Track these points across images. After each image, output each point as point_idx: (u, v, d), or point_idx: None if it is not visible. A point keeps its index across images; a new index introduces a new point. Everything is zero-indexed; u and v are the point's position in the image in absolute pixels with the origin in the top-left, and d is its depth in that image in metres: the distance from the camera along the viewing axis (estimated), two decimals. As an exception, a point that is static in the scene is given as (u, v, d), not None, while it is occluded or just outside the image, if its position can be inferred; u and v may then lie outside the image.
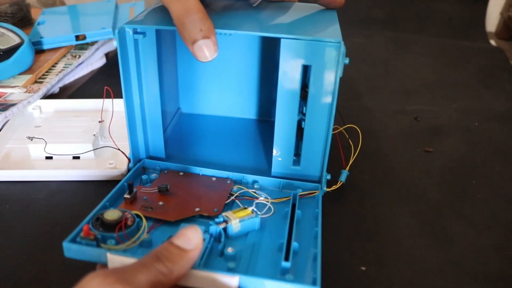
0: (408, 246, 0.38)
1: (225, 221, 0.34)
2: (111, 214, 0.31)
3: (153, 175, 0.41)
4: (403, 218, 0.41)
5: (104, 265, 0.29)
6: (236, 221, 0.34)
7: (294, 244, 0.33)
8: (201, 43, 0.32)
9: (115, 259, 0.28)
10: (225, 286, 0.28)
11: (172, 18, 0.33)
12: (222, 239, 0.33)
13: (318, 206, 0.38)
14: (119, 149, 0.45)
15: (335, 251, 0.37)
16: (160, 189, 0.38)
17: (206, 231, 0.33)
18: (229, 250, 0.32)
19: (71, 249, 0.29)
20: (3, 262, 0.35)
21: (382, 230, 0.39)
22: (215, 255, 0.32)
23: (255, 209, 0.36)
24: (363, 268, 0.35)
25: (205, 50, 0.33)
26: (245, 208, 0.35)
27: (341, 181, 0.43)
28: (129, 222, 0.31)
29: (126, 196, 0.36)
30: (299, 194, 0.39)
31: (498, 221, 0.41)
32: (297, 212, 0.36)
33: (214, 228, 0.33)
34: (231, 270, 0.30)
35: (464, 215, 0.42)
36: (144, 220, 0.33)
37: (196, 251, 0.27)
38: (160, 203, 0.37)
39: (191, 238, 0.27)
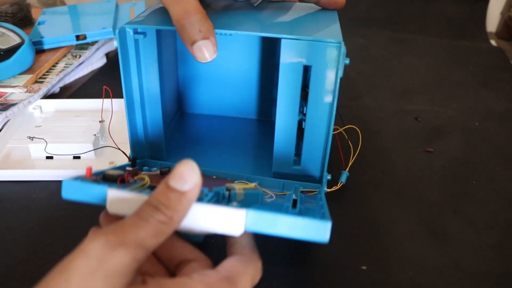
0: (408, 246, 0.38)
1: (228, 190, 0.33)
2: (114, 171, 0.31)
3: (154, 169, 0.41)
4: (403, 218, 0.41)
5: (107, 217, 0.29)
6: (240, 189, 0.33)
7: (301, 196, 0.32)
8: (200, 44, 0.32)
9: (115, 195, 0.27)
10: (230, 224, 0.26)
11: (172, 19, 0.33)
12: (226, 195, 0.32)
13: (322, 199, 0.38)
14: (119, 149, 0.45)
15: (336, 250, 0.37)
16: (162, 172, 0.38)
17: (209, 190, 0.32)
18: (234, 203, 0.31)
19: (71, 187, 0.28)
20: (3, 262, 0.35)
21: (382, 230, 0.39)
22: (219, 201, 0.31)
23: (258, 184, 0.36)
24: (364, 268, 0.35)
25: (204, 51, 0.33)
26: (248, 183, 0.35)
27: (341, 182, 0.43)
28: (130, 179, 0.31)
29: (129, 168, 0.36)
30: (301, 189, 0.40)
31: (498, 221, 0.41)
32: (301, 195, 0.36)
33: (219, 188, 0.32)
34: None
35: (464, 215, 0.42)
36: (147, 178, 0.32)
37: (195, 190, 0.25)
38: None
39: (188, 177, 0.25)
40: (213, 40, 0.33)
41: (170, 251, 0.29)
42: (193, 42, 0.32)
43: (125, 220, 0.24)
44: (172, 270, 0.29)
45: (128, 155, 0.43)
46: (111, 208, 0.27)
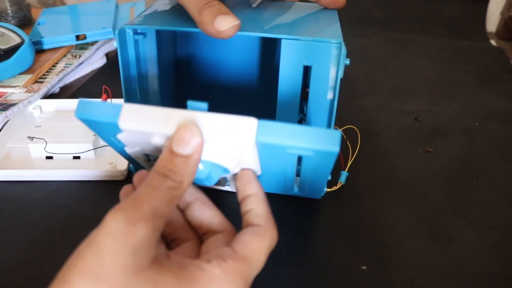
0: (408, 246, 0.38)
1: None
2: None
3: None
4: (403, 218, 0.41)
5: (125, 192, 0.30)
6: None
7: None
8: (222, 16, 0.33)
9: (130, 109, 0.27)
10: (241, 133, 0.27)
11: (190, 12, 0.34)
12: None
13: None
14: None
15: (336, 250, 0.37)
16: None
17: None
18: None
19: (86, 106, 0.28)
20: (3, 262, 0.35)
21: (382, 230, 0.39)
22: None
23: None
24: (364, 267, 0.35)
25: (227, 20, 0.33)
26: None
27: (341, 182, 0.43)
28: None
29: None
30: None
31: (498, 221, 0.41)
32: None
33: None
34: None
35: (464, 215, 0.42)
36: None
37: (198, 151, 0.27)
38: None
39: (190, 140, 0.26)
40: (234, 16, 0.33)
41: (200, 219, 0.30)
42: (215, 18, 0.32)
43: (138, 192, 0.25)
44: (200, 236, 0.30)
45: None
46: (123, 121, 0.27)
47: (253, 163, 0.30)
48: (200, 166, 0.29)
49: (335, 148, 0.26)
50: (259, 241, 0.27)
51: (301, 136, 0.26)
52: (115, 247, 0.23)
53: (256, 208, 0.29)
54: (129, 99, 0.40)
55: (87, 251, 0.23)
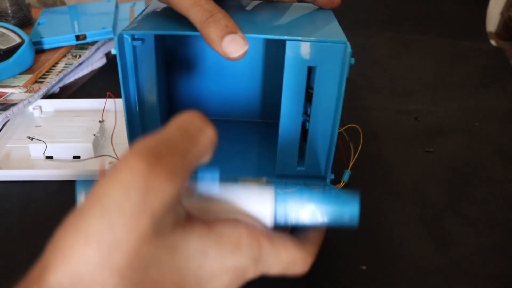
0: (408, 246, 0.38)
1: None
2: None
3: None
4: (403, 218, 0.41)
5: None
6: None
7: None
8: (230, 37, 0.31)
9: None
10: (259, 208, 0.27)
11: (194, 22, 0.33)
12: None
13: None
14: (118, 159, 0.44)
15: (336, 250, 0.37)
16: None
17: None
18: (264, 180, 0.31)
19: (86, 187, 0.27)
20: (3, 262, 0.35)
21: (382, 230, 0.39)
22: None
23: (268, 179, 0.36)
24: (364, 267, 0.35)
25: (236, 45, 0.32)
26: (258, 180, 0.35)
27: (344, 181, 0.43)
28: None
29: None
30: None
31: (498, 221, 0.41)
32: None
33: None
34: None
35: (464, 215, 0.42)
36: None
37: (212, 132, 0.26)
38: None
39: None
40: (241, 34, 0.32)
41: None
42: (223, 37, 0.31)
43: (169, 136, 0.21)
44: None
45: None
46: None
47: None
48: None
49: (354, 223, 0.27)
50: (293, 247, 0.26)
51: (320, 207, 0.27)
52: (131, 210, 0.18)
53: (310, 232, 0.28)
54: (129, 105, 0.39)
55: (93, 212, 0.19)
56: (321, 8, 0.44)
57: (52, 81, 0.60)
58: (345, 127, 0.46)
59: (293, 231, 0.29)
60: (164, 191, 0.19)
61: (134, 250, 0.19)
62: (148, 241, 0.19)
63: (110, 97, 0.43)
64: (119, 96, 0.45)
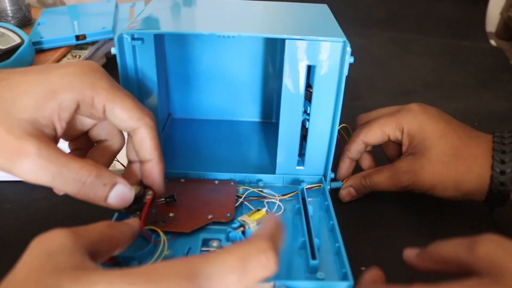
0: (408, 246, 0.38)
1: (242, 226, 0.33)
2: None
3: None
4: (403, 218, 0.41)
5: None
6: (254, 224, 0.34)
7: (316, 241, 0.33)
8: (113, 194, 0.29)
9: None
10: None
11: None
12: (242, 237, 0.33)
13: (327, 198, 0.38)
14: (117, 161, 0.43)
15: (335, 251, 0.37)
16: (167, 201, 0.37)
17: (227, 239, 0.33)
18: None
19: None
20: (3, 262, 0.35)
21: (382, 230, 0.39)
22: None
23: (268, 210, 0.36)
24: (363, 268, 0.35)
25: (123, 198, 0.30)
26: (259, 210, 0.35)
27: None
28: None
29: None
30: (306, 187, 0.40)
31: (498, 221, 0.41)
32: (309, 207, 0.37)
33: (234, 235, 0.33)
34: None
35: (464, 215, 0.42)
36: (162, 234, 0.32)
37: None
38: (171, 214, 0.36)
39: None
40: (122, 181, 0.30)
41: None
42: (105, 198, 0.29)
43: (140, 271, 0.20)
44: None
45: (125, 166, 0.41)
46: None
47: None
48: None
49: None
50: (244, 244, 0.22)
51: None
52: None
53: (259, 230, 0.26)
54: None
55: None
56: (317, 6, 0.44)
57: (52, 81, 0.60)
58: (342, 125, 0.46)
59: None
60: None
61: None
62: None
63: None
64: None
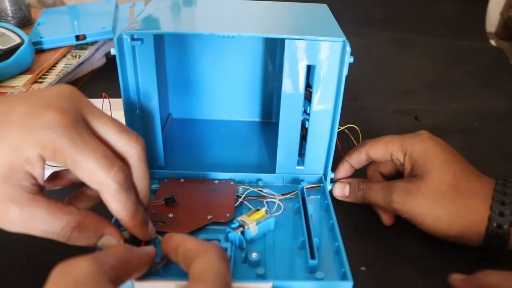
0: (408, 246, 0.38)
1: (241, 226, 0.33)
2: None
3: (154, 186, 0.40)
4: (403, 218, 0.41)
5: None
6: (253, 224, 0.34)
7: (315, 240, 0.33)
8: (100, 244, 0.29)
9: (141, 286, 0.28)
10: None
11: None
12: (244, 245, 0.33)
13: (326, 198, 0.38)
14: None
15: (335, 251, 0.37)
16: (166, 201, 0.37)
17: (226, 239, 0.33)
18: (254, 255, 0.32)
19: None
20: (3, 263, 0.35)
21: (382, 230, 0.39)
22: (239, 262, 0.32)
23: (268, 209, 0.36)
24: (363, 268, 0.35)
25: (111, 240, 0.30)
26: (258, 210, 0.35)
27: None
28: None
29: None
30: (306, 187, 0.40)
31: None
32: (309, 206, 0.37)
33: (233, 235, 0.33)
34: (261, 277, 0.30)
35: (464, 215, 0.42)
36: (160, 238, 0.32)
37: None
38: (170, 215, 0.36)
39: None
40: (110, 231, 0.30)
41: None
42: (94, 244, 0.29)
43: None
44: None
45: None
46: None
47: None
48: None
49: None
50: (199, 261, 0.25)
51: None
52: None
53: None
54: (128, 106, 0.39)
55: None
56: (317, 6, 0.44)
57: (52, 81, 0.60)
58: (344, 127, 0.46)
59: None
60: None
61: None
62: None
63: (105, 97, 0.43)
64: (114, 96, 0.44)
